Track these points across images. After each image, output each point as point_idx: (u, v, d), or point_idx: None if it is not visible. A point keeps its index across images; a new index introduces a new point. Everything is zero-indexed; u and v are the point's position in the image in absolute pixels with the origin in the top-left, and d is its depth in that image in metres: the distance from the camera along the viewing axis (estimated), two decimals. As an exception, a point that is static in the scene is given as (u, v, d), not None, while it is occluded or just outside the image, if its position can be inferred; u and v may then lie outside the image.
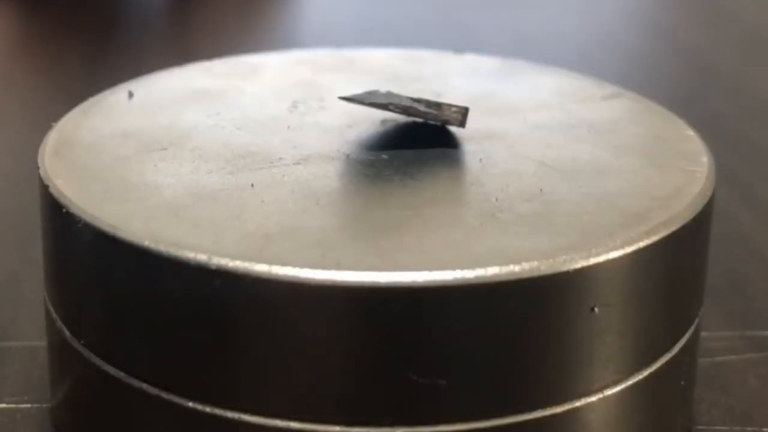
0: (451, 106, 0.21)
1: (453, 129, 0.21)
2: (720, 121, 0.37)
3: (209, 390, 0.17)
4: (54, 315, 0.19)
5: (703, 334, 0.21)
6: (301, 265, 0.16)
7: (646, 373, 0.18)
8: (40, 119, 0.23)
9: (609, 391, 0.18)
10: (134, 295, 0.17)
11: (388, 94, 0.21)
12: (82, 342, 0.19)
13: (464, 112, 0.21)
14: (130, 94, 0.23)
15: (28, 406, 0.21)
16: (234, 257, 0.16)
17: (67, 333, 0.19)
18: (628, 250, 0.17)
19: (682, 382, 0.20)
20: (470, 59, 0.26)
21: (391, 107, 0.21)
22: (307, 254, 0.17)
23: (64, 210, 0.18)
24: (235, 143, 0.21)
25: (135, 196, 0.18)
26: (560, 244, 0.17)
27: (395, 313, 0.16)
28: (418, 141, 0.21)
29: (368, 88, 0.22)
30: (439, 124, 0.21)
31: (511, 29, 0.48)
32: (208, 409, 0.17)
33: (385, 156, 0.20)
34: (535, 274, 0.16)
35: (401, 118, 0.21)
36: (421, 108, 0.21)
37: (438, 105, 0.21)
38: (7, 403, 0.21)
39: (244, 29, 0.47)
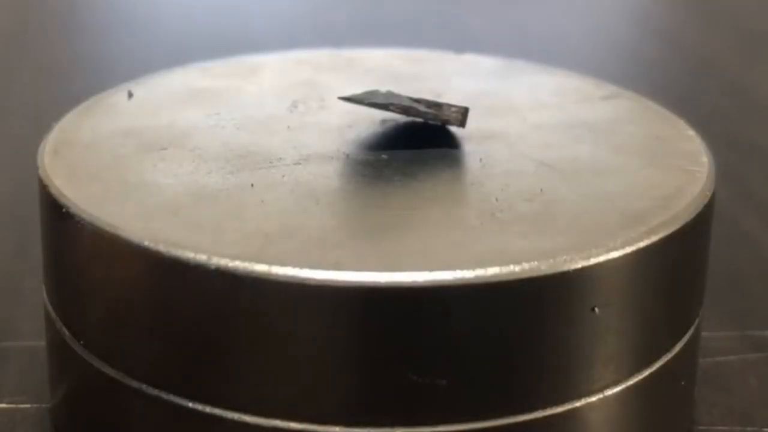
0: (451, 106, 0.21)
1: (453, 129, 0.21)
2: (720, 121, 0.37)
3: (209, 390, 0.17)
4: (53, 315, 0.19)
5: (703, 334, 0.21)
6: (301, 265, 0.16)
7: (646, 373, 0.18)
8: (40, 119, 0.23)
9: (609, 392, 0.18)
10: (134, 295, 0.17)
11: (388, 94, 0.21)
12: (81, 342, 0.18)
13: (464, 112, 0.21)
14: (130, 94, 0.23)
15: (28, 406, 0.21)
16: (234, 257, 0.16)
17: (66, 333, 0.19)
18: (629, 250, 0.17)
19: (683, 382, 0.20)
20: (470, 59, 0.26)
21: (391, 107, 0.21)
22: (307, 254, 0.17)
23: (63, 210, 0.18)
24: (235, 143, 0.21)
25: (135, 196, 0.18)
26: (560, 244, 0.17)
27: (395, 313, 0.16)
28: (418, 141, 0.21)
29: (368, 88, 0.22)
30: (439, 124, 0.21)
31: (511, 29, 0.48)
32: (208, 410, 0.17)
33: (385, 156, 0.20)
34: (536, 274, 0.16)
35: (401, 118, 0.21)
36: (421, 108, 0.21)
37: (438, 105, 0.21)
38: (7, 403, 0.21)
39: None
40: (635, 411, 0.18)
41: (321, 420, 0.17)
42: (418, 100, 0.21)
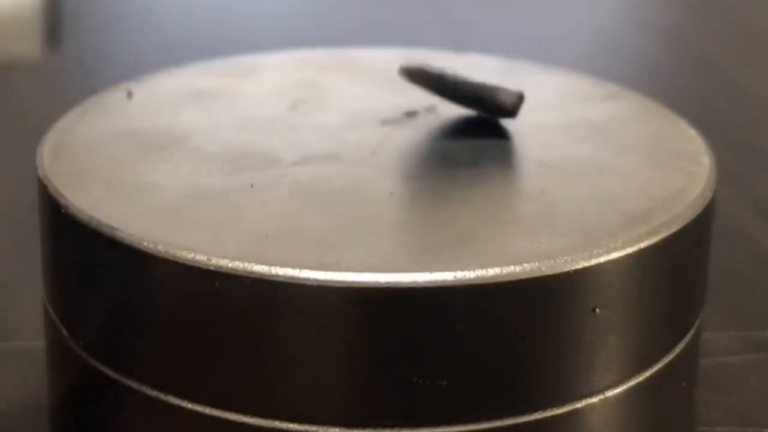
0: (505, 89, 0.21)
1: (452, 129, 0.21)
2: (720, 121, 0.37)
3: (209, 391, 0.17)
4: (53, 315, 0.19)
5: (704, 334, 0.21)
6: (301, 266, 0.16)
7: (647, 374, 0.18)
8: (40, 119, 0.23)
9: (610, 393, 0.18)
10: (133, 296, 0.17)
11: (443, 71, 0.21)
12: (80, 343, 0.18)
13: (519, 96, 0.20)
14: (129, 94, 0.23)
15: (26, 407, 0.21)
16: (233, 258, 0.16)
17: (65, 334, 0.19)
18: (630, 250, 0.17)
19: (684, 383, 0.20)
20: (471, 59, 0.26)
21: (441, 88, 0.20)
22: (307, 254, 0.16)
23: (62, 210, 0.18)
24: (234, 143, 0.20)
25: (134, 196, 0.18)
26: (561, 245, 0.17)
27: (395, 313, 0.16)
28: (418, 141, 0.21)
29: (368, 88, 0.22)
30: (490, 112, 0.21)
31: (512, 29, 0.48)
32: (207, 411, 0.17)
33: (384, 156, 0.20)
34: (536, 274, 0.16)
35: (401, 119, 0.21)
36: (473, 91, 0.20)
37: (494, 88, 0.21)
38: (6, 403, 0.21)
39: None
40: (636, 412, 0.18)
41: (321, 421, 0.17)
42: (470, 82, 0.20)
